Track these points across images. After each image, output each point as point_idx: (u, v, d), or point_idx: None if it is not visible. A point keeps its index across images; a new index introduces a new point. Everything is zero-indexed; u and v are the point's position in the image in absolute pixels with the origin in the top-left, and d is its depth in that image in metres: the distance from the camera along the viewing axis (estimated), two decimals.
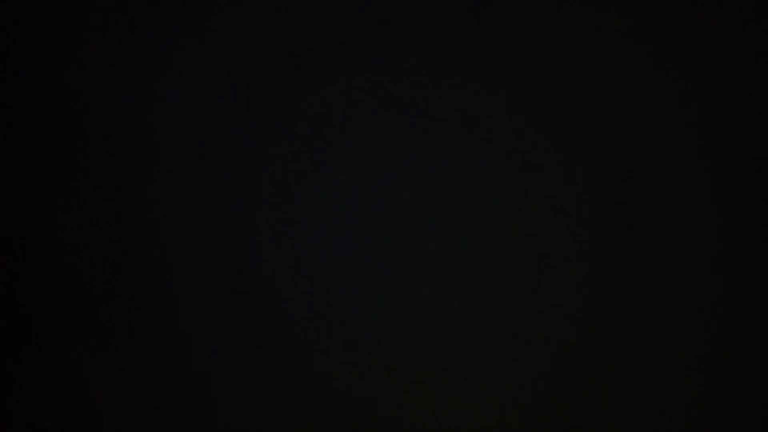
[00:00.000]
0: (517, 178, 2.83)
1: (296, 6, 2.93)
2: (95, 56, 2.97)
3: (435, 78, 2.86)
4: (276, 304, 2.90)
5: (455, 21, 2.87)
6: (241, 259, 2.91)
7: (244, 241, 2.91)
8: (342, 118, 2.89)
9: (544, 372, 2.81)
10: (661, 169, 2.80)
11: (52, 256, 2.96)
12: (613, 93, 2.82)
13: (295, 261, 2.89)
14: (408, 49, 2.88)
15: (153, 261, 2.93)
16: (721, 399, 2.76)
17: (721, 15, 2.80)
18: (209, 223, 2.93)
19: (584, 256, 2.81)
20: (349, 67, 2.89)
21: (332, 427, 2.86)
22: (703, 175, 2.79)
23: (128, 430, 2.91)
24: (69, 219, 2.95)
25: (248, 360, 2.89)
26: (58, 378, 2.94)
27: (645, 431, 2.77)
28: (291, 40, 2.92)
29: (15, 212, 2.97)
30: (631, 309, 2.79)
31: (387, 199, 2.87)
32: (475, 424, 2.82)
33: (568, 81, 2.83)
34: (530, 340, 2.81)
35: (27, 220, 2.98)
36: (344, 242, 2.88)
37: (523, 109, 2.84)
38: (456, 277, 2.84)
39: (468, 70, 2.86)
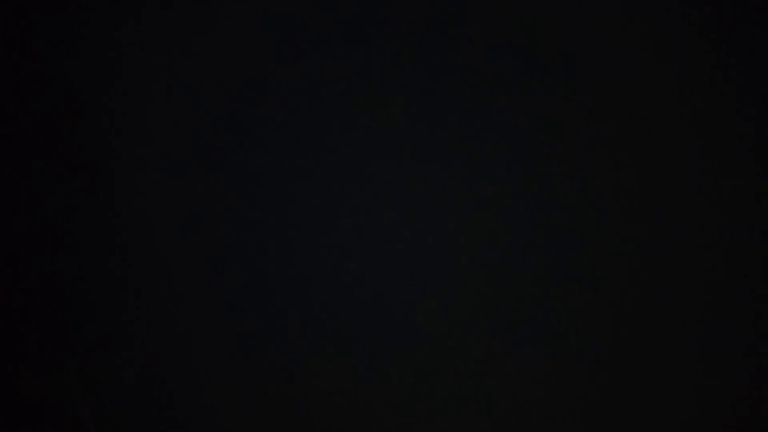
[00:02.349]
0: (517, 180, 2.83)
1: (294, 5, 2.93)
2: (91, 55, 2.96)
3: (434, 78, 2.86)
4: (272, 307, 2.89)
5: (454, 21, 2.87)
6: (237, 263, 2.90)
7: (240, 243, 2.91)
8: (339, 119, 2.89)
9: (544, 374, 2.81)
10: (661, 169, 2.80)
11: (45, 257, 2.96)
12: (612, 93, 2.83)
13: (292, 262, 2.89)
14: (407, 49, 2.88)
15: (146, 263, 2.92)
16: (721, 400, 2.76)
17: (721, 15, 2.80)
18: (205, 225, 2.92)
19: (584, 257, 2.81)
20: (348, 67, 2.89)
21: (330, 428, 2.86)
22: (702, 174, 2.79)
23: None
24: (62, 219, 2.95)
25: (243, 364, 2.89)
26: (42, 384, 2.93)
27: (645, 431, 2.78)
28: (288, 39, 2.92)
29: (10, 212, 2.97)
30: (632, 311, 2.79)
31: (385, 200, 2.87)
32: (474, 426, 2.82)
33: (568, 81, 2.83)
34: (530, 341, 2.81)
35: (21, 220, 2.97)
36: (343, 243, 2.88)
37: (523, 110, 2.84)
38: (455, 278, 2.84)
39: (467, 70, 2.86)
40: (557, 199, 2.82)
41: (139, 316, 2.91)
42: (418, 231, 2.86)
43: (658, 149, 2.81)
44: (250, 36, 2.93)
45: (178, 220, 2.93)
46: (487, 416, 2.81)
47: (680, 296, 2.78)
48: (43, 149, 2.97)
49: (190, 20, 2.95)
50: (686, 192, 2.79)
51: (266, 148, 2.91)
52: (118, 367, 2.91)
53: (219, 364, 2.89)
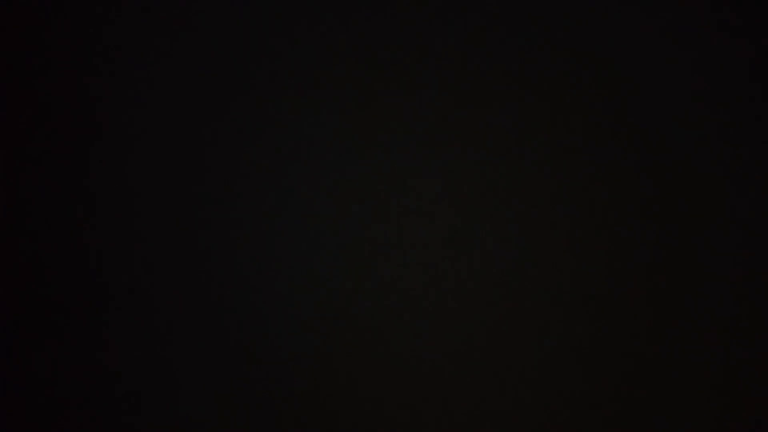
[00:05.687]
0: (518, 182, 2.83)
1: (284, 1, 2.91)
2: (75, 52, 2.94)
3: (432, 77, 2.86)
4: (264, 307, 2.89)
5: (452, 19, 2.86)
6: (228, 262, 2.89)
7: (232, 243, 2.90)
8: (333, 117, 2.88)
9: (545, 378, 2.82)
10: (667, 170, 2.81)
11: (20, 254, 2.94)
12: (612, 93, 2.83)
13: (290, 261, 2.88)
14: (402, 45, 2.87)
15: (130, 264, 2.91)
16: (723, 401, 2.78)
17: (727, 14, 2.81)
18: (192, 225, 2.91)
19: (584, 259, 2.81)
20: (345, 64, 2.88)
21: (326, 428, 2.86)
22: (709, 175, 2.80)
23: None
24: (42, 217, 2.93)
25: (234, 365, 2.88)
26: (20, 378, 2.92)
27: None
28: (276, 36, 2.90)
29: None
30: (636, 313, 2.80)
31: (381, 200, 2.87)
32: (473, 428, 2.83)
33: (570, 80, 2.83)
34: (531, 343, 2.82)
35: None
36: (340, 244, 2.87)
37: (524, 110, 2.84)
38: (454, 280, 2.84)
39: (468, 69, 2.85)
40: (557, 201, 2.83)
41: (123, 320, 2.90)
42: (416, 231, 2.86)
43: (658, 150, 2.81)
44: (237, 33, 2.91)
45: (165, 219, 2.91)
46: (487, 417, 2.82)
47: (679, 297, 2.80)
48: (26, 147, 2.95)
49: (176, 17, 2.93)
50: (686, 192, 2.80)
51: (259, 147, 2.90)
52: (103, 367, 2.90)
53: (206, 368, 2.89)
